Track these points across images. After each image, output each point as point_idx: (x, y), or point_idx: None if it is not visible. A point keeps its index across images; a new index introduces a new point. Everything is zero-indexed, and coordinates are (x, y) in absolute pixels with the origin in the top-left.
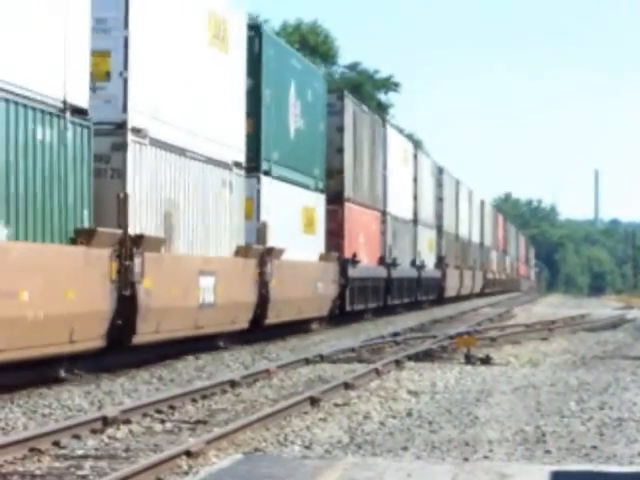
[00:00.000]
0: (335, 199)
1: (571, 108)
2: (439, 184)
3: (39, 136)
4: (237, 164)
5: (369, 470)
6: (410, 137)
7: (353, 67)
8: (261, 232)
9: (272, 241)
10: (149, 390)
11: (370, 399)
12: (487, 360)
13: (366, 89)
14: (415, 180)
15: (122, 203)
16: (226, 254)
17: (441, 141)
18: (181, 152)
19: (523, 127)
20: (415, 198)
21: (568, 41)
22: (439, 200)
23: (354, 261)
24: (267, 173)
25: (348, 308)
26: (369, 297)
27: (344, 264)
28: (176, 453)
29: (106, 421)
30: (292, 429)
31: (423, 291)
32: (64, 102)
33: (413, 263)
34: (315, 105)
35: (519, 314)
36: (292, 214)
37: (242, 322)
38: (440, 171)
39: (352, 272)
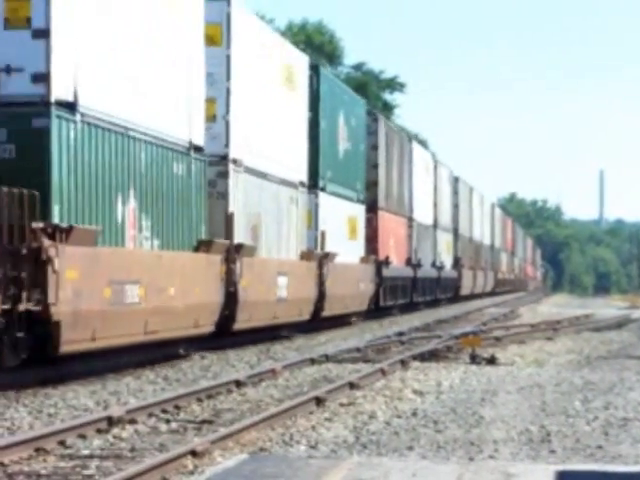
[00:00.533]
0: (371, 208)
1: (576, 108)
2: (455, 191)
3: (174, 170)
4: (301, 183)
5: (374, 470)
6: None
7: (359, 67)
8: (320, 239)
9: (327, 247)
10: (154, 390)
11: (375, 399)
12: (492, 360)
13: (371, 89)
14: (435, 189)
15: (229, 220)
16: (294, 258)
17: (446, 141)
18: (263, 176)
19: (528, 127)
20: (435, 205)
21: (573, 41)
22: (455, 206)
23: (387, 263)
24: (323, 189)
25: (382, 304)
26: (398, 294)
27: (379, 265)
28: (181, 453)
29: (112, 421)
30: (297, 429)
31: (442, 290)
32: (189, 142)
33: (433, 264)
34: (357, 129)
35: (524, 314)
36: (340, 223)
37: (305, 314)
38: (456, 180)
39: (385, 272)
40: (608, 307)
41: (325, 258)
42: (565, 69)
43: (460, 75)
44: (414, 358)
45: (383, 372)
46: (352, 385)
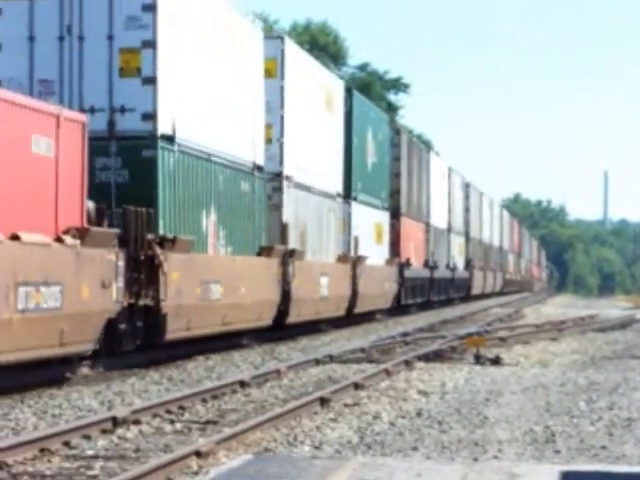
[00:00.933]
0: (394, 214)
1: (580, 108)
2: (466, 196)
3: (242, 187)
4: (338, 194)
5: (379, 470)
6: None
7: (363, 68)
8: (354, 244)
9: (359, 251)
10: (159, 390)
11: (380, 399)
12: (497, 360)
13: (375, 90)
14: (449, 195)
15: (284, 228)
16: (332, 261)
17: (450, 141)
18: (308, 189)
19: (532, 127)
20: (449, 210)
21: (577, 41)
22: (466, 210)
23: (408, 264)
24: (355, 199)
25: (403, 302)
26: (417, 293)
27: (401, 267)
28: (186, 453)
29: (116, 421)
30: (302, 429)
31: (455, 289)
32: (253, 163)
33: (448, 265)
34: (383, 142)
35: (529, 314)
36: (369, 229)
37: (341, 310)
38: (467, 185)
39: (407, 273)
40: (612, 307)
41: (358, 261)
42: (569, 69)
43: (464, 75)
44: (418, 358)
45: (387, 372)
46: (357, 385)
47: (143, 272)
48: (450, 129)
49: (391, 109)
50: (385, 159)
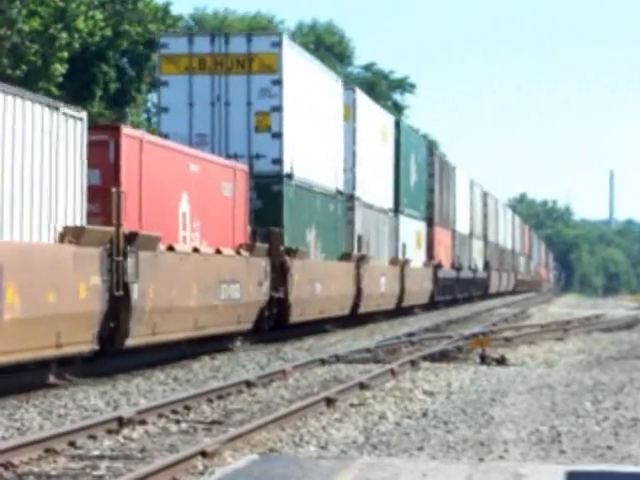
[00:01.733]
0: (429, 223)
1: (586, 108)
2: (484, 204)
3: (330, 209)
4: (390, 209)
5: (384, 470)
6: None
7: (369, 68)
8: (402, 250)
9: (405, 255)
10: (165, 390)
11: (385, 399)
12: (502, 360)
13: (381, 89)
14: (470, 204)
15: (359, 240)
16: (386, 264)
17: (456, 141)
18: (370, 207)
19: (538, 127)
20: (471, 218)
21: (582, 41)
22: (485, 217)
23: (440, 266)
24: (402, 212)
25: (436, 298)
26: (447, 291)
27: (435, 268)
28: (191, 453)
29: (122, 421)
30: (308, 429)
31: (475, 288)
32: (336, 189)
33: (469, 267)
34: (421, 163)
35: (534, 314)
36: (411, 237)
37: (391, 305)
38: (485, 194)
39: (439, 274)
40: (618, 307)
41: (405, 264)
42: (575, 69)
43: (470, 75)
44: (424, 359)
45: (393, 373)
46: (362, 386)
47: (276, 273)
48: (456, 129)
49: (397, 109)
50: (423, 177)
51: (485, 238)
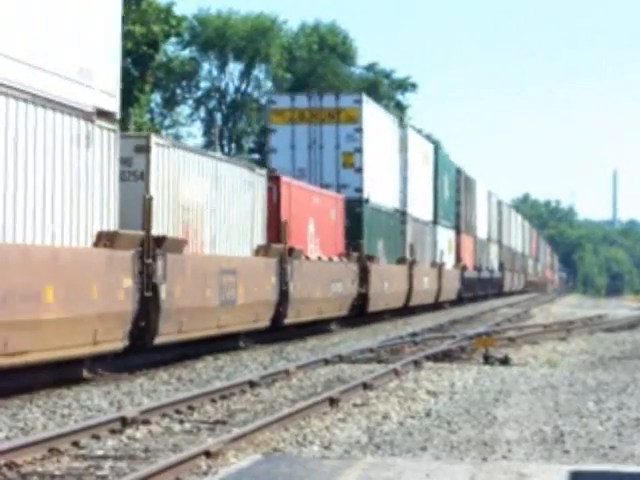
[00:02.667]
0: (457, 231)
1: (589, 108)
2: (499, 212)
3: (391, 223)
4: (430, 221)
5: (388, 470)
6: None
7: (371, 67)
8: (440, 255)
9: (442, 259)
10: (168, 390)
11: (389, 399)
12: (505, 360)
13: (383, 89)
14: (488, 212)
15: (412, 248)
16: (427, 267)
17: (460, 141)
18: (417, 220)
19: (541, 127)
20: (488, 224)
21: (586, 41)
22: (499, 224)
23: (465, 268)
24: (439, 224)
25: (463, 295)
26: (470, 289)
27: (462, 270)
28: (195, 453)
29: (125, 421)
30: (311, 429)
31: (492, 286)
32: (394, 208)
33: (487, 268)
34: (452, 181)
35: (537, 314)
36: (445, 244)
37: (431, 299)
38: (499, 203)
39: (465, 274)
40: (621, 307)
41: (441, 266)
42: (578, 69)
43: (472, 75)
44: (427, 359)
45: (396, 373)
46: (365, 386)
47: (362, 273)
48: (459, 129)
49: (399, 109)
50: (452, 192)
51: (500, 242)
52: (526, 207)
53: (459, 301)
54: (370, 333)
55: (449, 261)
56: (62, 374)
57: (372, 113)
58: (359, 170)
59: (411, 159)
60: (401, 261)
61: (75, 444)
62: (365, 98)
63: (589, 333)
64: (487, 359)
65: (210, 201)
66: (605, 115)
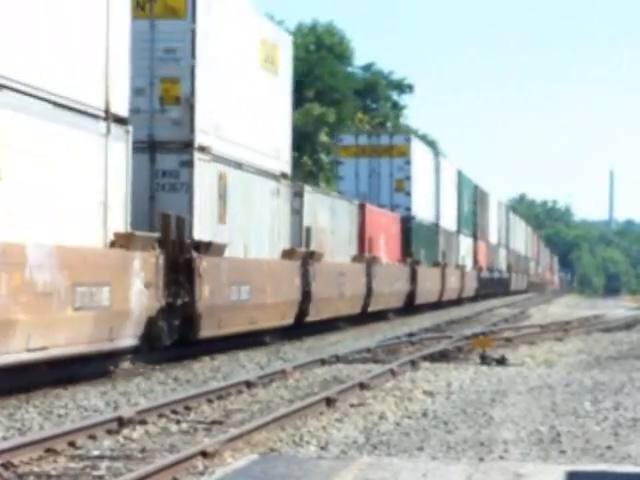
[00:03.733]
0: (474, 238)
1: (586, 109)
2: (507, 219)
3: (430, 235)
4: (455, 231)
5: (385, 470)
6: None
7: (368, 68)
8: (462, 259)
9: (464, 262)
10: (165, 390)
11: (386, 399)
12: (502, 360)
13: (380, 90)
14: (498, 220)
15: (443, 254)
16: (453, 269)
17: (456, 141)
18: (446, 230)
19: (538, 127)
20: (498, 231)
21: (582, 41)
22: (507, 230)
23: (481, 270)
24: (461, 233)
25: (479, 293)
26: (484, 288)
27: (479, 271)
28: (192, 453)
29: (122, 422)
30: (308, 429)
31: (501, 286)
32: (432, 222)
33: (497, 269)
34: (470, 196)
35: (534, 314)
36: (466, 249)
37: (455, 296)
38: (507, 211)
39: (481, 275)
40: (618, 308)
41: (464, 268)
42: (575, 69)
43: (469, 76)
44: (424, 359)
45: (393, 373)
46: (362, 386)
47: (411, 275)
48: (456, 129)
49: (396, 109)
50: (470, 205)
51: (507, 247)
52: (523, 207)
53: (476, 298)
54: (367, 333)
55: (469, 264)
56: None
57: (417, 148)
58: (408, 194)
59: (442, 181)
60: (435, 264)
61: (72, 444)
62: (412, 137)
63: (586, 333)
64: (484, 359)
65: (330, 225)
66: (602, 115)
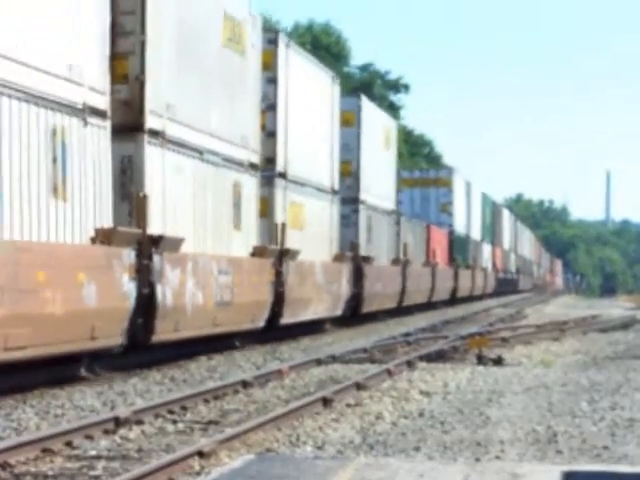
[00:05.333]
0: (493, 245)
1: (583, 109)
2: (515, 228)
3: (465, 245)
4: (480, 240)
5: (381, 470)
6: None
7: (364, 68)
8: (485, 262)
9: (483, 265)
10: (161, 390)
11: (382, 399)
12: (499, 360)
13: (377, 89)
14: (509, 229)
15: (473, 259)
16: (479, 271)
17: (453, 141)
18: (473, 240)
19: (534, 127)
20: (509, 238)
21: (579, 42)
22: (516, 237)
23: (498, 271)
24: (484, 241)
25: (497, 290)
26: (500, 286)
27: (496, 273)
28: (188, 453)
29: (118, 421)
30: (304, 429)
31: (512, 285)
32: (465, 234)
33: (509, 271)
34: (490, 211)
35: (531, 315)
36: (487, 254)
37: (480, 292)
38: (515, 220)
39: (498, 275)
40: (614, 308)
41: (486, 270)
42: (572, 69)
43: (466, 75)
44: (421, 359)
45: (390, 373)
46: (359, 386)
47: (454, 275)
48: (452, 129)
49: (393, 109)
50: (490, 218)
51: (516, 252)
52: (519, 207)
53: (494, 294)
54: (363, 333)
55: (489, 266)
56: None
57: (457, 179)
58: (450, 214)
59: (472, 202)
60: (467, 267)
61: (68, 444)
62: (455, 169)
63: (583, 333)
64: (480, 359)
65: (412, 241)
66: (599, 115)
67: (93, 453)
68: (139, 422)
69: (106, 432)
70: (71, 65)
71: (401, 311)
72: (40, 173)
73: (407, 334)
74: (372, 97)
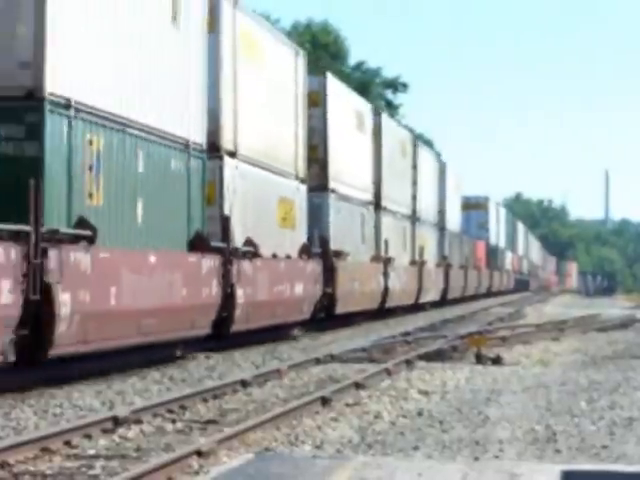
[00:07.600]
0: (512, 252)
1: (581, 107)
2: (527, 238)
3: (494, 253)
4: (504, 248)
5: (380, 469)
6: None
7: (362, 66)
8: (507, 266)
9: (505, 266)
10: (160, 390)
11: (381, 399)
12: (498, 360)
13: (374, 88)
14: (522, 238)
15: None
16: (502, 272)
17: (451, 140)
18: (499, 248)
19: (533, 127)
20: (522, 244)
21: (577, 41)
22: (527, 244)
23: (516, 273)
24: (507, 249)
25: (515, 288)
26: (517, 285)
27: (515, 274)
28: (187, 453)
29: (117, 421)
30: (303, 429)
31: (524, 285)
32: (495, 244)
33: (522, 273)
34: (510, 222)
35: (530, 314)
36: (509, 260)
37: (503, 288)
38: (526, 231)
39: (516, 276)
40: (614, 307)
41: (508, 271)
42: (570, 68)
43: (464, 74)
44: (419, 358)
45: (388, 372)
46: (358, 385)
47: (489, 275)
48: (451, 128)
49: (391, 108)
50: (509, 230)
51: (527, 257)
52: (518, 206)
53: (514, 291)
54: (362, 332)
55: (510, 268)
56: None
57: (491, 205)
58: (487, 230)
59: (499, 219)
60: (498, 269)
61: (67, 443)
62: (489, 197)
63: (582, 332)
64: (479, 358)
65: (457, 252)
66: (597, 114)
67: (92, 452)
68: (138, 421)
69: (105, 431)
70: None
71: (403, 311)
72: None
73: (406, 333)
74: (370, 96)
